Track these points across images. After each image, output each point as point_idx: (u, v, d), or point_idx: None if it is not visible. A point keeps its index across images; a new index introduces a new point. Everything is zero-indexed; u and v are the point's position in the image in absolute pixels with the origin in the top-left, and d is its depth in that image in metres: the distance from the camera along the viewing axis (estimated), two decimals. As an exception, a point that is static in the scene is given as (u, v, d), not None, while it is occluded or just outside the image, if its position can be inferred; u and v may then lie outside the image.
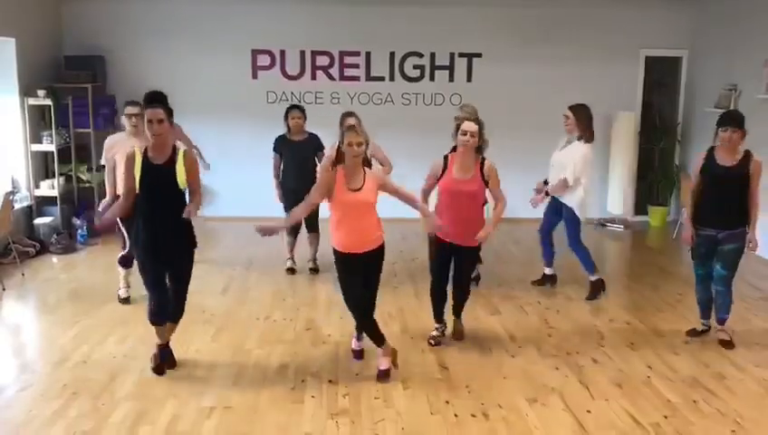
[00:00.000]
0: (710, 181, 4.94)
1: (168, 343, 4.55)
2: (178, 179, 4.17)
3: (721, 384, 4.41)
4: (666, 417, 3.97)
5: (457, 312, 5.18)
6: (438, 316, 5.08)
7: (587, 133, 6.02)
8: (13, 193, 7.31)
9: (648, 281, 6.76)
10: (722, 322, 5.13)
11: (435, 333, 5.06)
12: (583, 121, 6.02)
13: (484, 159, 4.88)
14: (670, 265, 7.57)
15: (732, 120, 4.84)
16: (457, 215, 4.78)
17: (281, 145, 6.65)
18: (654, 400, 4.19)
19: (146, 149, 4.21)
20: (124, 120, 5.59)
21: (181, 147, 4.37)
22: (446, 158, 4.97)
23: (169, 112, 4.22)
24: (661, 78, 9.50)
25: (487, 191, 4.90)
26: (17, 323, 5.64)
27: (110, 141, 5.71)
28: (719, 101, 8.35)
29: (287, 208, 6.64)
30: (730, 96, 8.14)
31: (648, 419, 3.94)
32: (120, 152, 5.18)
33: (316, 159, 6.60)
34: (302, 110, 6.65)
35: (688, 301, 6.15)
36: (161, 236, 4.22)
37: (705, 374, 4.55)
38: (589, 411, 4.02)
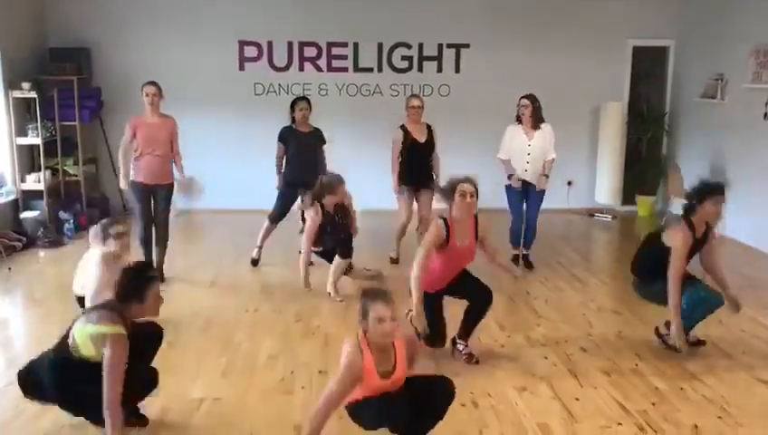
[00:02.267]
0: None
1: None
2: None
3: (709, 372, 4.44)
4: (653, 404, 4.00)
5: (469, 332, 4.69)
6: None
7: (540, 117, 6.60)
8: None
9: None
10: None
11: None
12: (539, 107, 6.57)
13: (476, 218, 4.55)
14: (658, 254, 7.60)
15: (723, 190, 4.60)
16: (452, 274, 4.57)
17: (287, 136, 6.63)
18: (642, 387, 4.22)
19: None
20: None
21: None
22: (446, 223, 4.41)
23: None
24: (648, 68, 9.53)
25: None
26: (4, 318, 5.60)
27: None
28: (706, 90, 8.40)
29: (285, 199, 6.68)
30: (716, 86, 8.18)
31: (636, 406, 3.97)
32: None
33: (320, 150, 6.70)
34: (309, 101, 6.69)
35: (676, 289, 6.19)
36: None
37: (693, 362, 4.58)
38: (577, 399, 4.05)
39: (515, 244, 6.83)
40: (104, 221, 4.76)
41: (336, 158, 6.99)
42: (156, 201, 6.15)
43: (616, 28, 9.13)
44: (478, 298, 4.59)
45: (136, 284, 3.40)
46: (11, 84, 7.58)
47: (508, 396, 4.08)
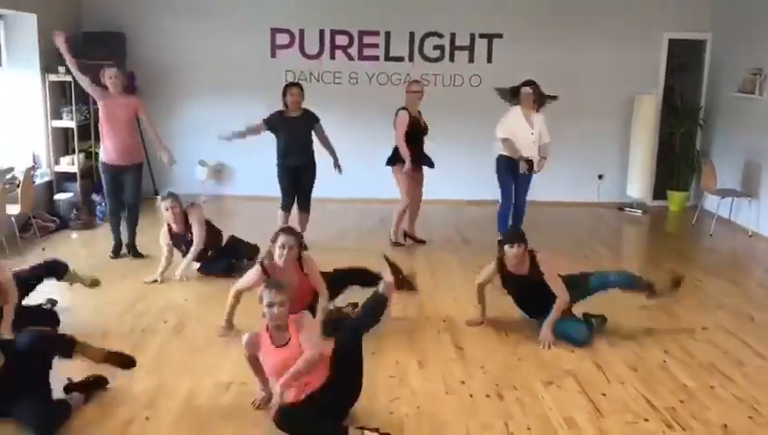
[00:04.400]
0: None
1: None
2: None
3: (739, 371, 4.38)
4: (681, 401, 3.95)
5: None
6: None
7: (542, 104, 6.90)
8: (34, 169, 7.37)
9: (666, 266, 6.69)
10: None
11: None
12: (541, 94, 6.84)
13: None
14: (689, 250, 7.51)
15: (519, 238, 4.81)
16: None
17: (276, 122, 6.67)
18: (670, 384, 4.17)
19: None
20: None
21: None
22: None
23: None
24: (684, 61, 9.36)
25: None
26: (36, 297, 5.71)
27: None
28: (743, 85, 8.23)
29: (288, 187, 6.76)
30: (755, 80, 8.01)
31: (664, 403, 3.93)
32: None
33: (313, 132, 6.71)
34: (301, 87, 6.69)
35: (706, 287, 6.12)
36: None
37: (723, 360, 4.52)
38: (604, 394, 4.02)
39: (503, 229, 6.82)
40: None
41: (367, 148, 7.00)
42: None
43: (652, 20, 8.98)
44: None
45: None
46: (47, 68, 7.69)
47: (534, 389, 4.06)
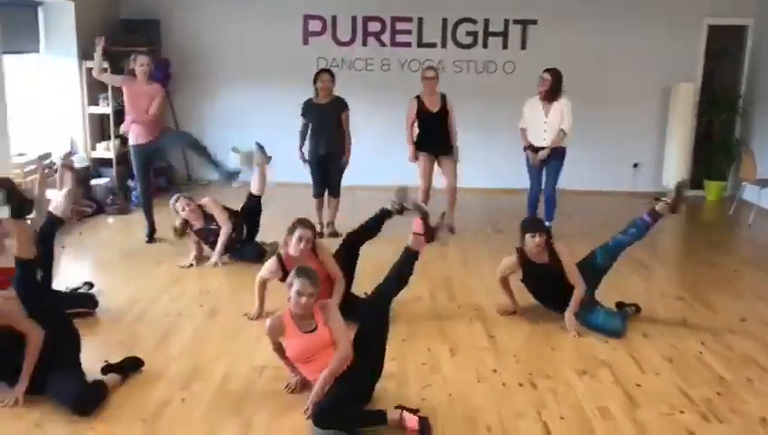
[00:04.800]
0: None
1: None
2: None
3: (779, 364, 4.30)
4: (718, 393, 3.89)
5: None
6: None
7: (557, 93, 6.74)
8: (71, 154, 7.49)
9: (703, 256, 6.60)
10: None
11: None
12: (560, 81, 6.72)
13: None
14: (726, 240, 7.38)
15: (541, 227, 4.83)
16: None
17: (307, 109, 6.69)
18: (706, 376, 4.11)
19: None
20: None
21: None
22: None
23: None
24: (724, 47, 9.15)
25: None
26: (74, 281, 5.82)
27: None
28: (785, 72, 8.03)
29: (317, 173, 6.84)
30: (797, 67, 7.80)
31: (700, 394, 3.87)
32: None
33: (342, 118, 6.71)
34: (332, 74, 6.70)
35: (745, 278, 6.02)
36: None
37: (762, 353, 4.43)
38: (638, 385, 3.97)
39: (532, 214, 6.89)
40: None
41: (398, 135, 6.97)
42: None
43: (691, 6, 8.78)
44: None
45: None
46: (84, 55, 7.79)
47: (568, 379, 4.04)
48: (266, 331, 3.68)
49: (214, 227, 5.95)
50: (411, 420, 3.38)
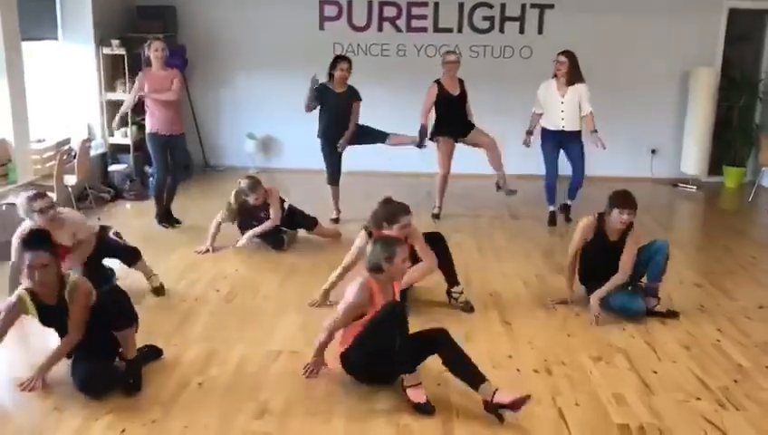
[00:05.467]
0: None
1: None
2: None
3: (796, 350, 4.27)
4: (735, 381, 3.87)
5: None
6: None
7: (577, 76, 6.70)
8: (89, 141, 7.55)
9: (721, 243, 6.55)
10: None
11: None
12: (577, 63, 6.69)
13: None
14: (745, 227, 7.31)
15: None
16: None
17: (325, 95, 6.68)
18: (723, 363, 4.09)
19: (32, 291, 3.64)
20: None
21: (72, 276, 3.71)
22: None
23: (55, 254, 3.63)
24: (744, 31, 9.01)
25: None
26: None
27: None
28: (807, 56, 7.90)
29: (330, 157, 6.87)
30: (820, 51, 7.68)
31: (717, 382, 3.86)
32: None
33: (354, 107, 6.73)
34: (350, 63, 6.68)
35: (763, 264, 5.97)
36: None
37: (779, 340, 4.41)
38: (655, 372, 3.96)
39: (551, 201, 6.98)
40: (29, 194, 4.57)
41: (415, 121, 6.94)
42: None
43: (711, -11, 8.66)
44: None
45: None
46: (102, 41, 7.83)
47: (583, 365, 4.03)
48: (352, 299, 3.67)
49: (263, 215, 5.99)
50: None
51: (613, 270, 4.68)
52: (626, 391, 3.75)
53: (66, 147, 7.01)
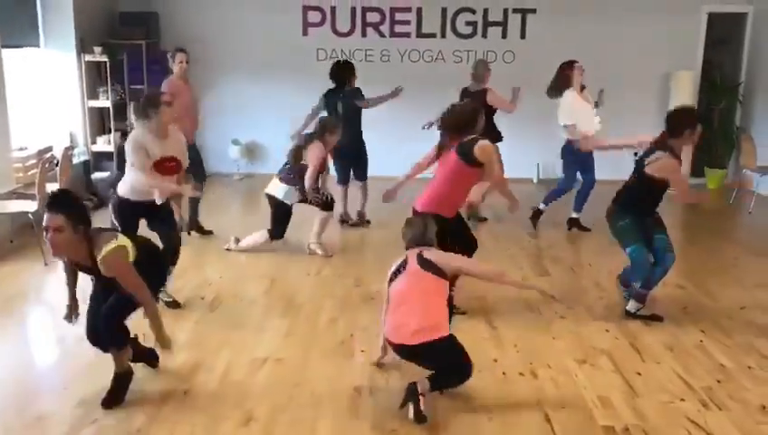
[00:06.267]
0: None
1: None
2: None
3: (778, 351, 4.32)
4: (719, 381, 3.91)
5: None
6: None
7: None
8: (71, 148, 7.50)
9: (704, 244, 6.61)
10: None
11: None
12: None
13: None
14: (727, 228, 7.39)
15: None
16: None
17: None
18: (707, 364, 4.13)
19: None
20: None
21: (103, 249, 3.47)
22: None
23: (76, 218, 3.41)
24: (723, 35, 9.12)
25: None
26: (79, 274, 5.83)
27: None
28: (786, 59, 8.01)
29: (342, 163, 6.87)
30: (798, 54, 7.79)
31: (700, 382, 3.89)
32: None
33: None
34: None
35: (745, 265, 6.03)
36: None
37: (762, 341, 4.45)
38: (639, 374, 3.99)
39: (548, 204, 7.00)
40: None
41: (396, 125, 6.97)
42: None
43: (690, -7, 8.77)
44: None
45: None
46: (83, 48, 7.79)
47: (568, 368, 4.05)
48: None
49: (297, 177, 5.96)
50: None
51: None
52: (610, 393, 3.77)
53: (48, 155, 6.96)
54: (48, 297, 5.27)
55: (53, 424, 3.41)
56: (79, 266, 3.63)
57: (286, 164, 6.02)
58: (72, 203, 3.42)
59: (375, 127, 6.98)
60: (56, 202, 3.38)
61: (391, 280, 3.79)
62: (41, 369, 4.17)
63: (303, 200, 6.00)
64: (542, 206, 6.96)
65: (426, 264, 3.69)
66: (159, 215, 4.71)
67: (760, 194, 8.04)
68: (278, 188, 5.94)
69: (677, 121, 4.60)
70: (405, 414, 3.46)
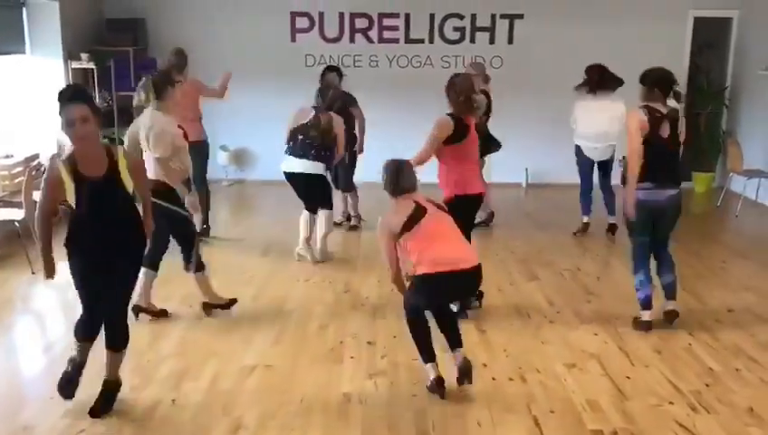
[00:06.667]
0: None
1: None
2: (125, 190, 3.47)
3: (764, 353, 4.33)
4: (707, 385, 3.92)
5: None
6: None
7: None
8: (59, 156, 7.45)
9: (692, 248, 6.63)
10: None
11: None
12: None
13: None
14: (714, 232, 7.43)
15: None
16: None
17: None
18: (695, 367, 4.14)
19: (73, 160, 3.35)
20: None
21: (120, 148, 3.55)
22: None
23: (95, 108, 3.38)
24: (710, 39, 9.19)
25: None
26: (65, 282, 5.79)
27: None
28: (772, 63, 8.07)
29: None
30: (783, 58, 7.85)
31: (689, 386, 3.90)
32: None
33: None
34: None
35: (732, 269, 6.06)
36: (108, 248, 3.50)
37: (749, 343, 4.47)
38: (628, 377, 4.00)
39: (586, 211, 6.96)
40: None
41: (385, 130, 6.97)
42: None
43: (677, -2, 8.83)
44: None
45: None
46: (70, 55, 7.75)
47: (557, 372, 4.06)
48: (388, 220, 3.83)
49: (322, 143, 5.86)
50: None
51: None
52: (600, 397, 3.78)
53: (35, 162, 6.91)
54: (35, 306, 5.24)
55: (40, 434, 3.38)
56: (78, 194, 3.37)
57: (307, 141, 5.81)
58: (89, 93, 3.41)
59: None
60: (76, 93, 3.34)
61: (406, 227, 3.78)
62: (27, 378, 4.14)
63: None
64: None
65: (438, 206, 3.97)
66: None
67: (747, 197, 8.09)
68: (315, 166, 5.83)
69: (646, 75, 4.76)
70: (395, 421, 3.46)
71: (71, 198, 3.38)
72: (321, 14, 8.93)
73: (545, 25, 8.84)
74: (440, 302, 3.93)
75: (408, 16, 8.94)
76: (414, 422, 3.50)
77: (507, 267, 5.95)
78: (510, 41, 8.97)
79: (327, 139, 5.81)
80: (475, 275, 3.84)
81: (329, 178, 6.11)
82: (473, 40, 8.98)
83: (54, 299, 5.37)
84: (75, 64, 7.77)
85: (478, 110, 4.82)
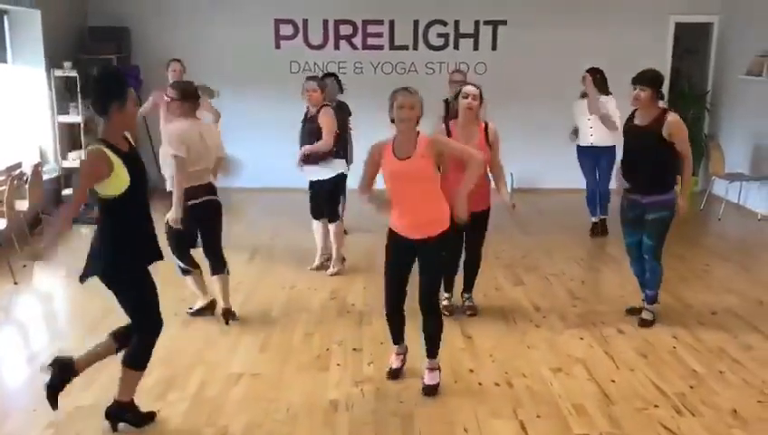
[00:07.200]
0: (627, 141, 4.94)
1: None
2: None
3: (747, 355, 4.38)
4: (691, 387, 3.95)
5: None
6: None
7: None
8: (41, 164, 7.40)
9: (675, 251, 6.65)
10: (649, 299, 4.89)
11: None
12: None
13: (487, 123, 4.82)
14: (697, 235, 7.49)
15: (641, 79, 4.77)
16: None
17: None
18: (680, 370, 4.17)
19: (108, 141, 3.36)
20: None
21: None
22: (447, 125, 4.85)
23: None
24: (690, 44, 9.29)
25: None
26: (48, 292, 5.76)
27: None
28: (751, 67, 8.17)
29: None
30: (763, 63, 7.95)
31: (674, 388, 3.93)
32: None
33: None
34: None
35: (715, 271, 6.11)
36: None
37: (732, 345, 4.52)
38: (613, 381, 4.02)
39: (593, 213, 7.10)
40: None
41: (370, 138, 6.93)
42: None
43: (658, 4, 8.92)
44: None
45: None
46: (53, 63, 7.71)
47: (543, 376, 4.07)
48: (369, 151, 3.84)
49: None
50: None
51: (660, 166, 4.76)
52: (585, 401, 3.80)
53: (17, 171, 6.85)
54: (17, 316, 5.19)
55: (23, 446, 3.35)
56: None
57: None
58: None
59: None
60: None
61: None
62: (10, 389, 4.09)
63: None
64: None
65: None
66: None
67: (729, 201, 8.18)
68: (324, 171, 5.80)
69: (657, 76, 4.94)
70: (382, 427, 3.46)
71: (115, 185, 3.39)
72: (306, 21, 8.94)
73: (528, 31, 8.90)
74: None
75: (392, 23, 8.97)
76: (401, 428, 3.50)
77: (493, 272, 5.96)
78: (494, 47, 9.03)
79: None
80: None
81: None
82: (456, 46, 9.03)
83: (38, 309, 5.33)
84: (58, 73, 7.74)
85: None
